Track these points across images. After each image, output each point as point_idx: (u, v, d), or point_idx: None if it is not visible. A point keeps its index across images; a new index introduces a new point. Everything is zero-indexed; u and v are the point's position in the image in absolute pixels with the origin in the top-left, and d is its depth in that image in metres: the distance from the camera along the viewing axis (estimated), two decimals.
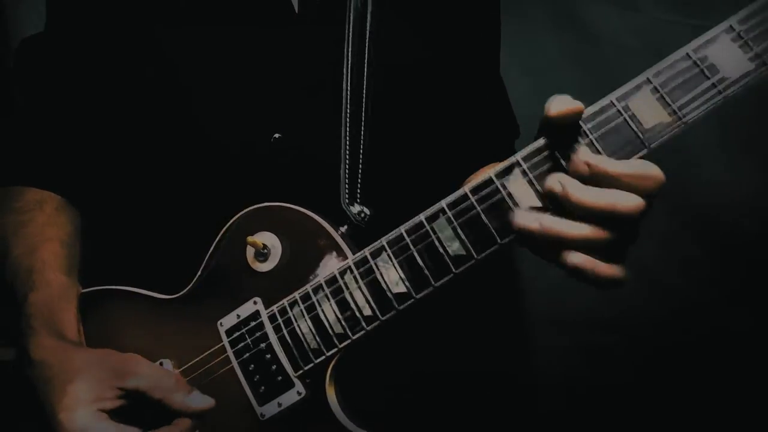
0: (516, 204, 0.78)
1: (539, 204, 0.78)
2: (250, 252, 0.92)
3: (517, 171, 0.79)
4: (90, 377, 0.87)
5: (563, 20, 1.77)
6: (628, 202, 0.71)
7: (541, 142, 0.79)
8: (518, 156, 0.80)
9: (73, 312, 0.98)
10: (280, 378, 0.88)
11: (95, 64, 1.10)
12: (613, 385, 1.79)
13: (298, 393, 0.87)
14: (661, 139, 0.76)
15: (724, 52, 0.75)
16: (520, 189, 0.79)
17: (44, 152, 1.11)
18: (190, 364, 0.93)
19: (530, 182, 0.78)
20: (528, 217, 0.75)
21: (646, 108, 0.77)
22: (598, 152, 0.75)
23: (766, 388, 1.69)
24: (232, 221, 0.94)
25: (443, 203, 0.82)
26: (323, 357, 0.86)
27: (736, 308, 1.71)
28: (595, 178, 0.72)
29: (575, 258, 0.73)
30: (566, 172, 0.75)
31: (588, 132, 0.77)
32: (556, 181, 0.74)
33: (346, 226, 0.94)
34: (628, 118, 0.76)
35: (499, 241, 0.79)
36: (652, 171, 0.73)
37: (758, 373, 1.70)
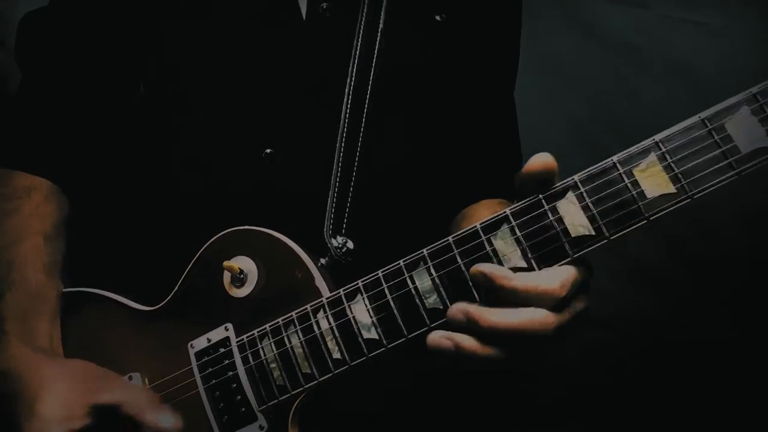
0: (500, 262, 0.74)
1: (524, 264, 0.74)
2: (226, 276, 0.88)
3: (505, 227, 0.75)
4: (59, 394, 0.84)
5: (570, 17, 1.75)
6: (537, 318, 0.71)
7: (535, 198, 0.74)
8: (509, 210, 0.75)
9: (49, 317, 0.95)
10: (243, 410, 0.85)
11: (97, 50, 1.07)
12: (608, 383, 1.79)
13: (260, 427, 0.85)
14: (663, 212, 0.70)
15: (742, 123, 0.68)
16: (506, 246, 0.74)
17: (37, 136, 1.07)
18: (159, 382, 0.91)
19: (518, 240, 0.74)
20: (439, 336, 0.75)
21: (650, 176, 0.70)
22: (592, 219, 0.71)
23: (760, 386, 1.68)
24: (211, 241, 0.91)
25: (425, 252, 0.78)
26: (288, 395, 0.83)
27: (732, 307, 1.71)
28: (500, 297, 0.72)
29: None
30: (563, 232, 0.72)
31: (585, 195, 0.72)
32: (458, 312, 0.73)
33: (327, 258, 0.90)
34: (629, 185, 0.71)
35: (479, 299, 0.75)
36: (548, 284, 0.71)
37: (753, 371, 1.69)
